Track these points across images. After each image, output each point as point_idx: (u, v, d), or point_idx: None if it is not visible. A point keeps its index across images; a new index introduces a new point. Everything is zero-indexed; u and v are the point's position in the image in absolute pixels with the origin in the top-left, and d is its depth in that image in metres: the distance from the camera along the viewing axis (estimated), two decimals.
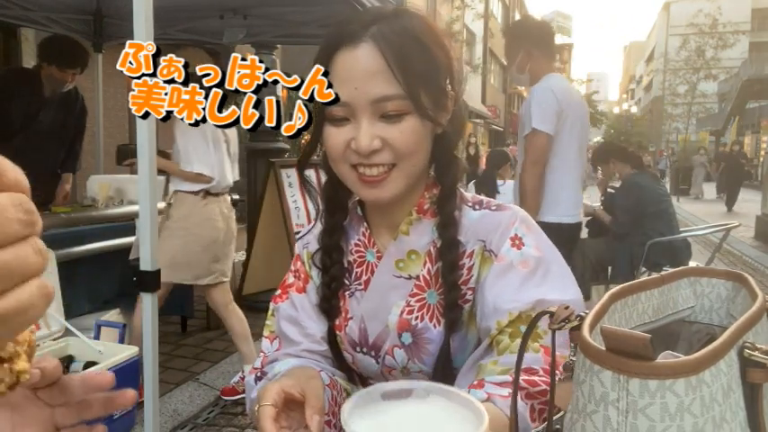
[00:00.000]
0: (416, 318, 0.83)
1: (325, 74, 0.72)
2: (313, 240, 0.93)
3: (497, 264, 0.81)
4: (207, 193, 2.83)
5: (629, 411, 0.41)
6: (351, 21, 0.79)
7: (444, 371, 0.83)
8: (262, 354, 0.93)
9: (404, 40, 0.76)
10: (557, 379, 0.53)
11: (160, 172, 2.97)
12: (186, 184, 2.80)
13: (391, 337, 0.85)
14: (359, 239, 0.90)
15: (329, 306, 0.89)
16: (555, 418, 0.53)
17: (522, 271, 0.79)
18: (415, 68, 0.75)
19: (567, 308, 0.51)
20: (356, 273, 0.89)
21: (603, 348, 0.43)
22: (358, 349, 0.88)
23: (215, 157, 2.84)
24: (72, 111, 3.61)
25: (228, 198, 3.05)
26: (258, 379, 0.89)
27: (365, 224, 0.90)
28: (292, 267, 0.96)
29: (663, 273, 0.60)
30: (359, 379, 0.92)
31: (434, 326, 0.82)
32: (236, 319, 3.05)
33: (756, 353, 0.45)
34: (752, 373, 0.45)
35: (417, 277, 0.84)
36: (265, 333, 0.95)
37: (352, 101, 0.75)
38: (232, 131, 3.06)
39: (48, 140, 3.48)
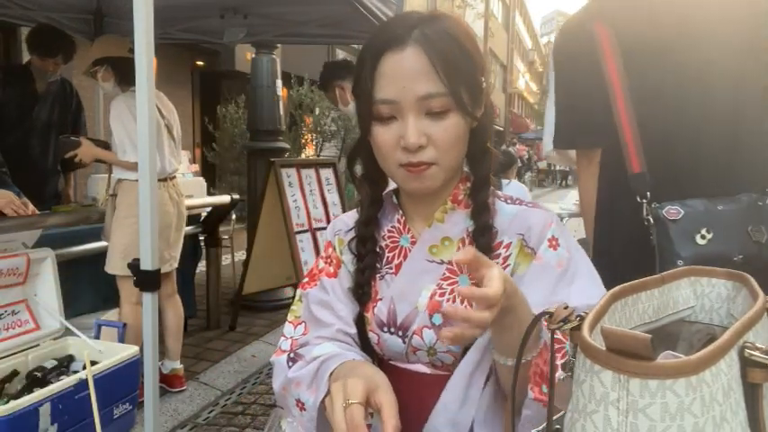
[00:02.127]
0: (448, 300, 0.86)
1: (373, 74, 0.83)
2: (344, 228, 0.99)
3: (536, 263, 0.85)
4: None
5: (629, 411, 0.41)
6: (394, 25, 0.86)
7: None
8: (285, 337, 0.96)
9: (445, 42, 0.82)
10: (557, 379, 0.53)
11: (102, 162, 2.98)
12: (128, 172, 2.75)
13: (421, 318, 0.88)
14: (392, 226, 0.96)
15: (362, 292, 0.93)
16: (555, 417, 0.53)
17: (557, 271, 0.84)
18: (456, 68, 0.82)
19: (566, 307, 0.51)
20: (388, 257, 0.94)
21: (604, 348, 0.43)
22: (385, 329, 0.91)
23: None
24: (68, 106, 3.60)
25: (177, 182, 3.04)
26: (291, 360, 0.91)
27: (400, 212, 0.96)
28: (323, 254, 1.01)
29: (663, 273, 0.60)
30: (378, 363, 0.94)
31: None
32: (175, 312, 3.05)
33: (757, 353, 0.45)
34: (752, 372, 0.45)
35: (450, 262, 0.89)
36: (290, 318, 0.98)
37: (400, 99, 0.82)
38: (172, 114, 3.03)
39: (45, 137, 3.47)
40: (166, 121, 2.95)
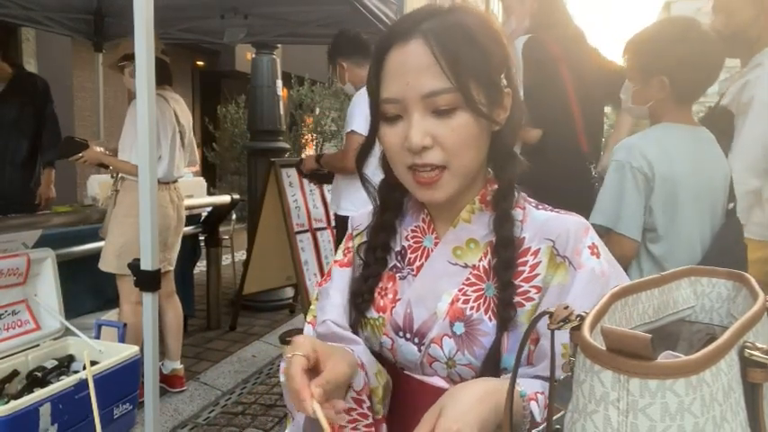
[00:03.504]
0: (472, 308, 0.81)
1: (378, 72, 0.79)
2: (363, 223, 0.96)
3: (582, 272, 0.79)
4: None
5: (629, 411, 0.41)
6: (403, 20, 0.82)
7: (494, 368, 0.80)
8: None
9: (453, 35, 0.77)
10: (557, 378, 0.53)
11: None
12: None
13: (441, 326, 0.82)
14: (417, 225, 0.90)
15: (361, 300, 0.89)
16: (555, 417, 0.53)
17: (601, 280, 0.78)
18: (464, 62, 0.76)
19: (566, 307, 0.51)
20: (409, 258, 0.89)
21: (604, 348, 0.43)
22: (401, 334, 0.85)
23: (165, 150, 2.82)
24: (30, 99, 3.60)
25: (178, 186, 3.05)
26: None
27: (426, 211, 0.90)
28: (343, 246, 0.98)
29: (663, 272, 0.60)
30: (390, 371, 0.88)
31: (490, 319, 0.80)
32: (174, 312, 3.06)
33: (757, 353, 0.45)
34: (752, 372, 0.45)
35: (474, 267, 0.83)
36: (308, 318, 0.95)
37: (403, 96, 0.77)
38: (187, 119, 3.04)
39: (2, 132, 3.49)
40: (181, 128, 2.96)
